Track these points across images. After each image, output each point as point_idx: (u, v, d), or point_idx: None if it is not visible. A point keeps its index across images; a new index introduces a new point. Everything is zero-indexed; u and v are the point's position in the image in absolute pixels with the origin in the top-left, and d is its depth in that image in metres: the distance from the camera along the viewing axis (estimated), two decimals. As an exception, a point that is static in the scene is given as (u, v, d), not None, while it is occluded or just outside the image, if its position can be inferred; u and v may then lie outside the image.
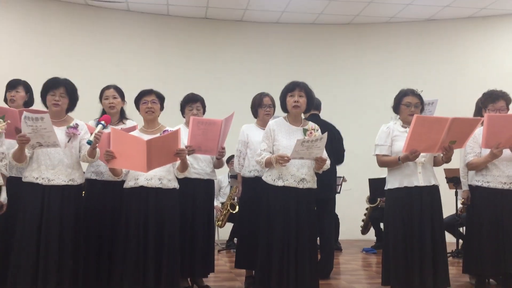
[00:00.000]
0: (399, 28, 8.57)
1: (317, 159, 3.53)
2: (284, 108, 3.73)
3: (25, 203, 3.36)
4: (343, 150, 4.98)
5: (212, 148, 3.83)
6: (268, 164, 3.59)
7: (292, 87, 3.67)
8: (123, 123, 3.95)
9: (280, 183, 3.58)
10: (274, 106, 4.35)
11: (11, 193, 3.56)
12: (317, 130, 3.67)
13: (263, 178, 3.70)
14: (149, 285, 3.35)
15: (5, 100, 4.09)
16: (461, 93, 7.63)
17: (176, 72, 8.17)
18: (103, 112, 3.97)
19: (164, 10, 8.18)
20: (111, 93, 3.95)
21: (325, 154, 3.64)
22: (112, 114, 3.93)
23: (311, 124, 3.73)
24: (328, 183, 4.71)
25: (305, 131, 3.64)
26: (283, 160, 3.48)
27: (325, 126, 4.60)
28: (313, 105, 3.83)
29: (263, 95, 4.37)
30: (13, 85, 4.07)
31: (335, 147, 4.82)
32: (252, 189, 4.18)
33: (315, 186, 3.69)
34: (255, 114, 4.41)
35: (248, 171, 4.28)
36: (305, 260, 3.53)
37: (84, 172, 3.72)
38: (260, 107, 4.33)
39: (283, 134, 3.65)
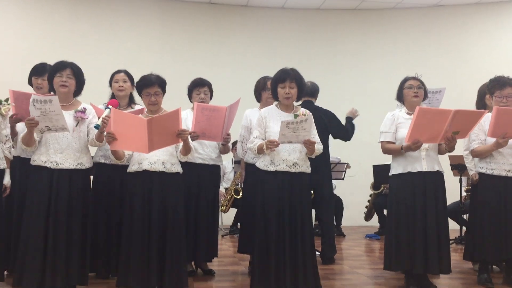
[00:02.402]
0: (405, 14, 8.50)
1: (305, 142, 3.53)
2: (276, 96, 3.73)
3: (33, 187, 3.39)
4: (346, 129, 4.94)
5: (217, 134, 3.83)
6: (260, 150, 3.60)
7: (283, 78, 3.63)
8: (132, 107, 3.97)
9: (272, 168, 3.59)
10: None
11: (21, 173, 3.59)
12: (307, 115, 3.66)
13: (257, 164, 3.71)
14: (154, 269, 3.37)
15: (30, 83, 4.00)
16: (467, 79, 7.57)
17: (180, 57, 8.15)
18: (112, 96, 3.97)
19: (169, -5, 8.14)
20: (122, 77, 3.99)
21: (316, 139, 3.64)
22: (121, 98, 3.94)
23: (302, 110, 3.72)
24: (317, 168, 4.61)
25: (295, 116, 3.62)
26: (272, 145, 3.49)
27: (317, 112, 4.56)
28: (303, 92, 3.78)
29: (267, 78, 4.34)
30: (40, 72, 3.92)
31: (333, 129, 4.81)
32: (255, 174, 4.19)
33: (308, 170, 3.69)
34: (258, 97, 4.40)
35: (251, 157, 4.27)
36: (300, 244, 3.55)
37: (92, 157, 3.74)
38: (264, 90, 4.32)
39: (275, 121, 3.64)
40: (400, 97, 3.92)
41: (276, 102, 3.79)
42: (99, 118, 3.35)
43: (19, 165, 3.75)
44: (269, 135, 3.62)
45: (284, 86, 3.63)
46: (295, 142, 3.53)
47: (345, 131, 4.96)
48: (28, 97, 3.49)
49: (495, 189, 3.93)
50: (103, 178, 3.85)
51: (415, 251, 3.67)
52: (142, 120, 3.20)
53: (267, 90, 4.29)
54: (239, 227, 5.66)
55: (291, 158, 3.59)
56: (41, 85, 3.91)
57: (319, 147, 3.65)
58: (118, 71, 4.05)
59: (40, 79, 3.92)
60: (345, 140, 5.02)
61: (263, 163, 3.65)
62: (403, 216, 3.73)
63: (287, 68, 3.69)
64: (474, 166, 4.15)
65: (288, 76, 3.63)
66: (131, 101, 4.02)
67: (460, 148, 4.37)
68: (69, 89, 3.47)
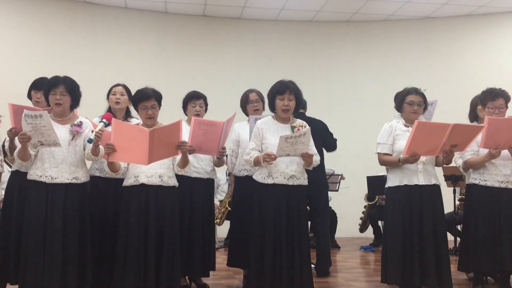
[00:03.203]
0: (397, 26, 8.57)
1: (303, 155, 3.53)
2: (273, 108, 3.73)
3: (30, 201, 3.39)
4: (334, 139, 4.91)
5: (213, 148, 3.83)
6: (257, 162, 3.60)
7: (282, 90, 3.63)
8: (128, 121, 3.95)
9: (270, 180, 3.59)
10: (262, 100, 4.35)
11: (20, 187, 3.60)
12: (304, 127, 3.67)
13: (254, 177, 3.71)
14: (149, 283, 3.36)
15: (29, 96, 3.98)
16: (460, 91, 7.62)
17: (174, 70, 8.16)
18: (109, 109, 3.97)
19: (162, 8, 8.16)
20: (119, 90, 3.98)
21: (313, 150, 3.64)
22: (117, 111, 3.94)
23: (298, 121, 3.73)
24: (314, 179, 4.62)
25: (292, 128, 3.64)
26: (269, 158, 3.48)
27: (313, 123, 4.57)
28: (300, 105, 3.79)
29: (249, 91, 4.38)
30: (40, 86, 3.87)
31: (325, 138, 4.81)
32: (243, 188, 4.18)
33: (305, 182, 3.69)
34: (245, 111, 4.41)
35: (238, 170, 4.26)
36: (297, 257, 3.54)
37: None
38: (247, 104, 4.34)
39: (272, 132, 3.65)
40: (399, 109, 3.91)
41: (272, 114, 3.79)
42: (92, 132, 3.35)
43: (19, 179, 3.73)
44: (266, 147, 3.61)
45: (283, 98, 3.63)
46: (293, 155, 3.53)
47: (334, 143, 4.93)
48: (19, 109, 3.50)
49: (489, 200, 3.93)
50: (97, 192, 3.83)
51: (411, 264, 3.65)
52: (144, 131, 3.19)
53: (250, 103, 4.30)
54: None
55: (288, 170, 3.59)
56: (40, 99, 3.90)
57: (316, 159, 3.66)
58: (117, 85, 4.04)
59: (40, 93, 3.90)
60: (331, 150, 4.97)
61: (260, 176, 3.64)
62: (399, 229, 3.71)
63: (285, 80, 3.70)
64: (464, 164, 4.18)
65: (287, 88, 3.63)
66: (127, 115, 4.01)
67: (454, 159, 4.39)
68: (64, 106, 3.48)
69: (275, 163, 3.54)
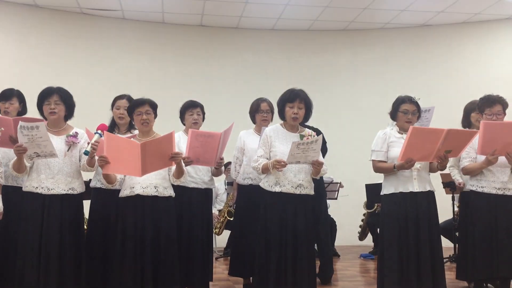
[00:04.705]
0: (393, 34, 8.61)
1: (314, 163, 3.52)
2: (282, 116, 3.73)
3: (26, 213, 3.38)
4: (325, 150, 4.89)
5: (210, 159, 3.82)
6: (265, 170, 3.58)
7: (292, 98, 3.62)
8: (131, 133, 3.93)
9: (277, 188, 3.57)
10: (272, 112, 4.35)
11: (12, 202, 3.58)
12: (313, 136, 3.67)
13: (260, 184, 3.69)
14: None
15: None
16: (456, 98, 7.58)
17: (172, 80, 8.18)
18: (112, 121, 3.96)
19: (160, 18, 8.20)
20: (123, 104, 3.91)
21: (321, 158, 3.64)
22: (121, 125, 3.93)
23: (307, 130, 3.72)
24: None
25: (301, 137, 3.63)
26: (279, 165, 3.47)
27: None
28: (310, 114, 3.77)
29: (261, 100, 4.36)
30: (7, 96, 3.98)
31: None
32: (246, 196, 4.17)
33: (312, 192, 3.68)
34: (253, 119, 4.41)
35: (242, 178, 4.26)
36: (303, 266, 3.52)
37: (88, 180, 3.70)
38: (257, 112, 4.33)
39: (280, 140, 3.64)
40: (394, 117, 3.93)
41: (281, 122, 3.79)
42: (88, 144, 3.35)
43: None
44: (275, 155, 3.60)
45: (293, 106, 3.62)
46: (303, 162, 3.52)
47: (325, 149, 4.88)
48: (1, 121, 3.50)
49: (486, 207, 3.92)
50: (99, 203, 3.83)
51: (408, 271, 3.64)
52: (135, 144, 3.20)
53: (260, 112, 4.30)
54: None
55: (296, 179, 3.57)
56: (8, 109, 3.95)
57: (324, 168, 3.65)
58: (121, 97, 3.97)
59: (8, 103, 3.97)
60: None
61: (267, 183, 3.62)
62: (395, 236, 3.71)
63: (296, 88, 3.70)
64: (459, 176, 4.23)
65: (298, 96, 3.63)
66: (131, 127, 3.98)
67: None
68: (59, 115, 3.48)
69: (284, 171, 3.53)
